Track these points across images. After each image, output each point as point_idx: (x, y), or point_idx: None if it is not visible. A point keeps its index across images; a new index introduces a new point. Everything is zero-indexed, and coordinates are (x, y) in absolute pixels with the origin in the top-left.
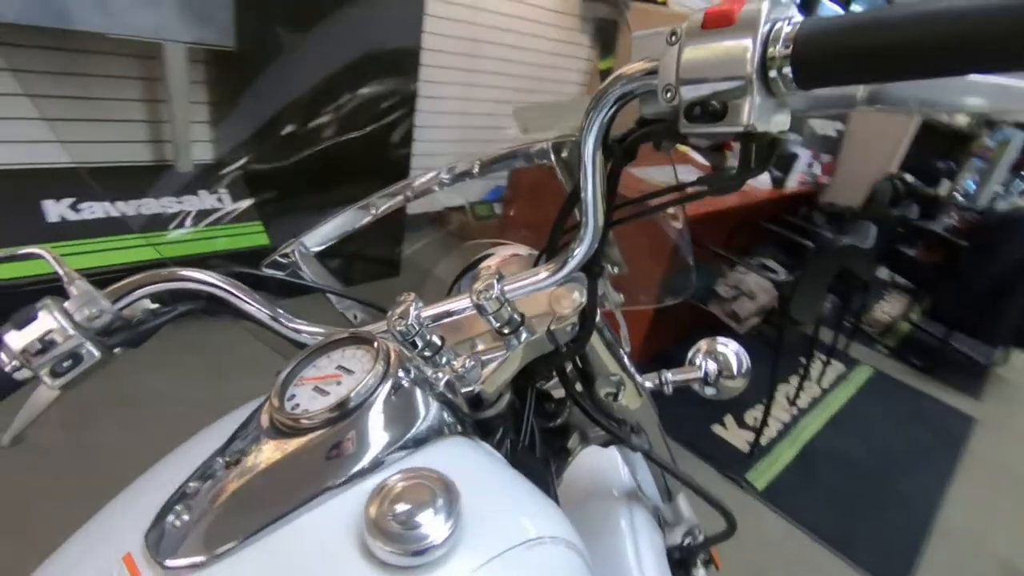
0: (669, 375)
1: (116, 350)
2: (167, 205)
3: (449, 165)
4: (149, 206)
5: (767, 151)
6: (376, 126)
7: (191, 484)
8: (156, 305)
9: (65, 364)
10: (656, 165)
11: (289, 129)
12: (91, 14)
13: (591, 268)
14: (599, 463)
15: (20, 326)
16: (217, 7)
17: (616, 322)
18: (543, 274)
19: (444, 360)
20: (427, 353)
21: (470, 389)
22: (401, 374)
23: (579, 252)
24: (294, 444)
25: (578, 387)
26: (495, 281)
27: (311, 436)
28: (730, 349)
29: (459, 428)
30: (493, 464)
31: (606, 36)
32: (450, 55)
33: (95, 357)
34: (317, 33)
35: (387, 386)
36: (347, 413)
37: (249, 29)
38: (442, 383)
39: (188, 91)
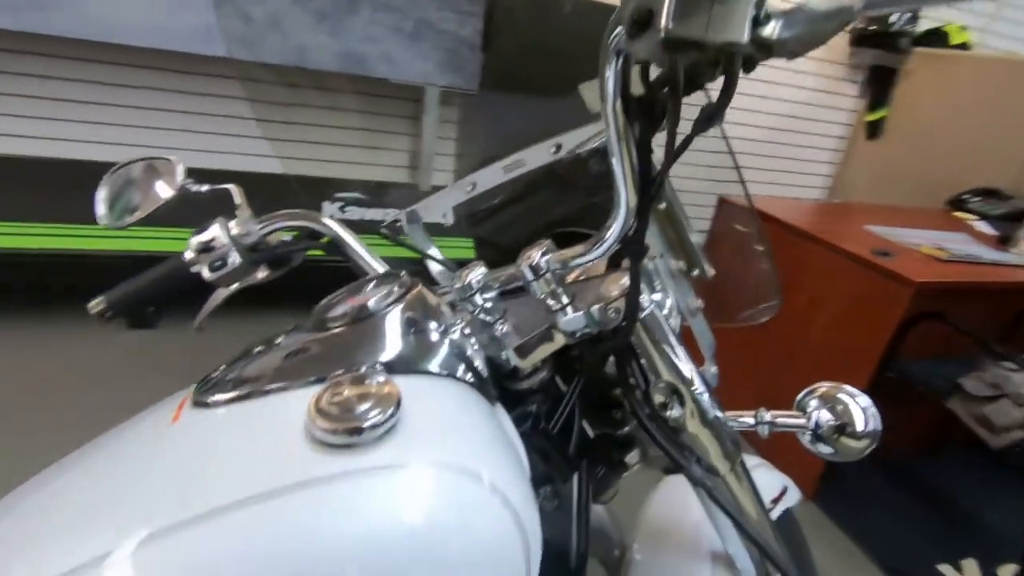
0: (767, 415)
1: (260, 273)
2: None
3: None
4: (391, 215)
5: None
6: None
7: (256, 348)
8: (290, 238)
9: (217, 264)
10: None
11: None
12: (380, 64)
13: (632, 249)
14: (679, 505)
15: (199, 232)
16: (468, 59)
17: (695, 337)
18: (580, 249)
19: (493, 321)
20: (481, 316)
21: (503, 355)
22: (417, 308)
23: (614, 228)
24: (311, 337)
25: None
26: (541, 252)
27: (323, 334)
28: (856, 401)
29: (466, 378)
30: (475, 409)
31: (880, 85)
32: None
33: (238, 263)
34: (547, 81)
35: (395, 310)
36: (353, 321)
37: (490, 76)
38: (458, 331)
39: (437, 128)
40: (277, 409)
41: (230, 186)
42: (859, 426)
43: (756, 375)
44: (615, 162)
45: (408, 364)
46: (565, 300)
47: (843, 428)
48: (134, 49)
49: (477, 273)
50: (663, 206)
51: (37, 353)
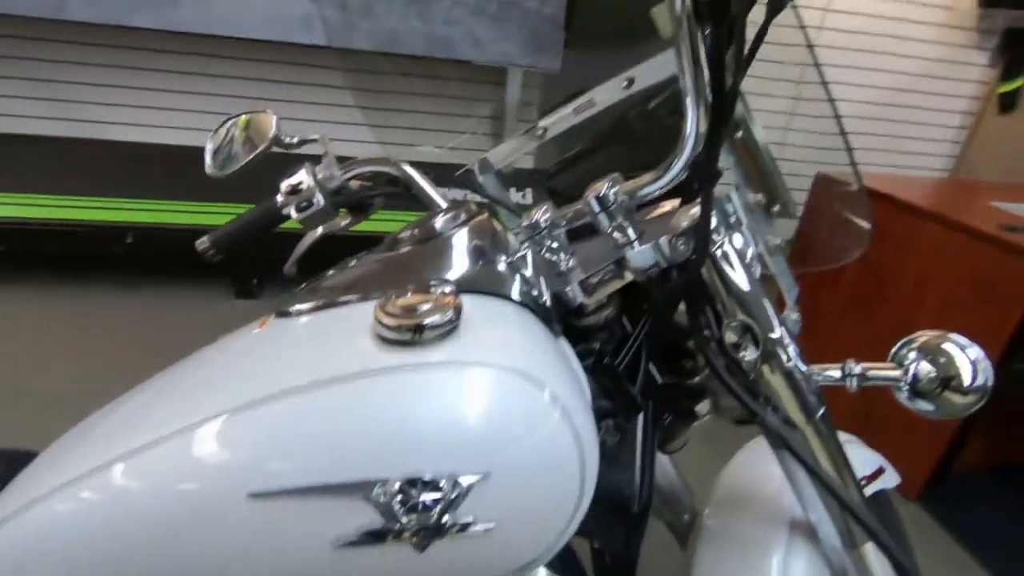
0: (857, 367)
1: (343, 221)
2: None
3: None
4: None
5: None
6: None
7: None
8: (370, 184)
9: (304, 205)
10: None
11: (588, 147)
12: (465, 46)
13: (703, 173)
14: (758, 472)
15: (288, 176)
16: (551, 38)
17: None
18: (648, 177)
19: (560, 258)
20: (548, 255)
21: (568, 291)
22: (483, 233)
23: (684, 151)
24: (382, 256)
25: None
26: (608, 184)
27: (392, 253)
28: (965, 352)
29: (529, 304)
30: (537, 330)
31: (1016, 51)
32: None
33: (322, 204)
34: (631, 59)
35: (461, 231)
36: (420, 241)
37: (571, 57)
38: (523, 260)
39: (518, 110)
40: (348, 316)
41: (317, 136)
42: (967, 380)
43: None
44: (685, 75)
45: (471, 284)
46: (632, 234)
47: (947, 382)
48: (236, 41)
49: (544, 211)
50: (739, 134)
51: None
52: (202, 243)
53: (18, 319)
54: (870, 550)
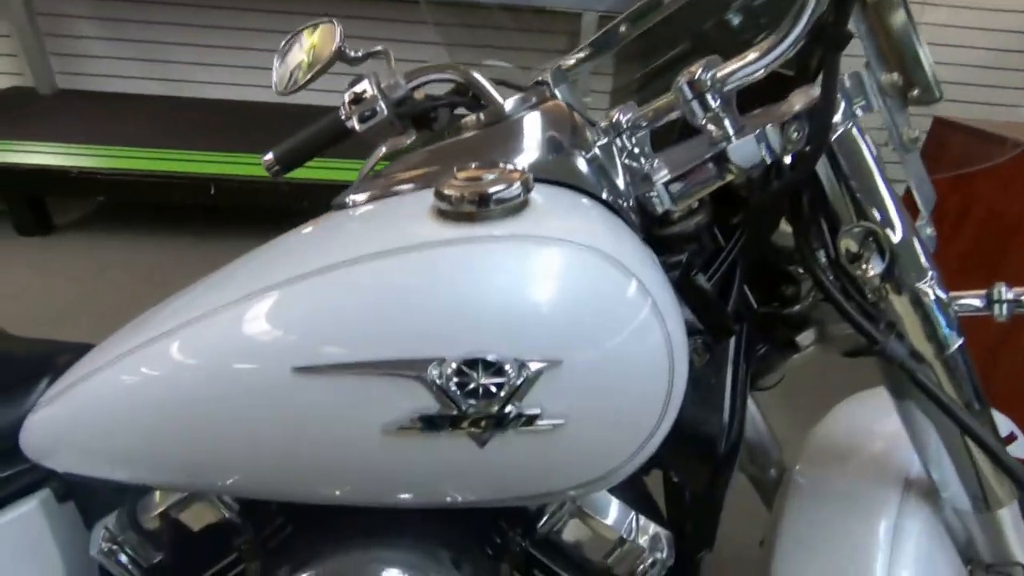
0: (1008, 292)
1: (407, 138)
2: None
3: None
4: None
5: None
6: None
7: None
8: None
9: (367, 115)
10: None
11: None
12: None
13: (829, 38)
14: (862, 426)
15: (351, 85)
16: None
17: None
18: (753, 55)
19: (641, 162)
20: (630, 160)
21: (653, 195)
22: (556, 118)
23: (804, 12)
24: (446, 143)
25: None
26: (702, 66)
27: (456, 139)
28: None
29: (608, 200)
30: (618, 224)
31: None
32: None
33: (385, 114)
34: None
35: (531, 114)
36: (487, 124)
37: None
38: (601, 152)
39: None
40: (406, 201)
41: (381, 47)
42: None
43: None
44: None
45: (544, 171)
46: (731, 127)
47: None
48: None
49: (626, 110)
50: None
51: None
52: (267, 159)
53: (117, 264)
54: (1006, 515)
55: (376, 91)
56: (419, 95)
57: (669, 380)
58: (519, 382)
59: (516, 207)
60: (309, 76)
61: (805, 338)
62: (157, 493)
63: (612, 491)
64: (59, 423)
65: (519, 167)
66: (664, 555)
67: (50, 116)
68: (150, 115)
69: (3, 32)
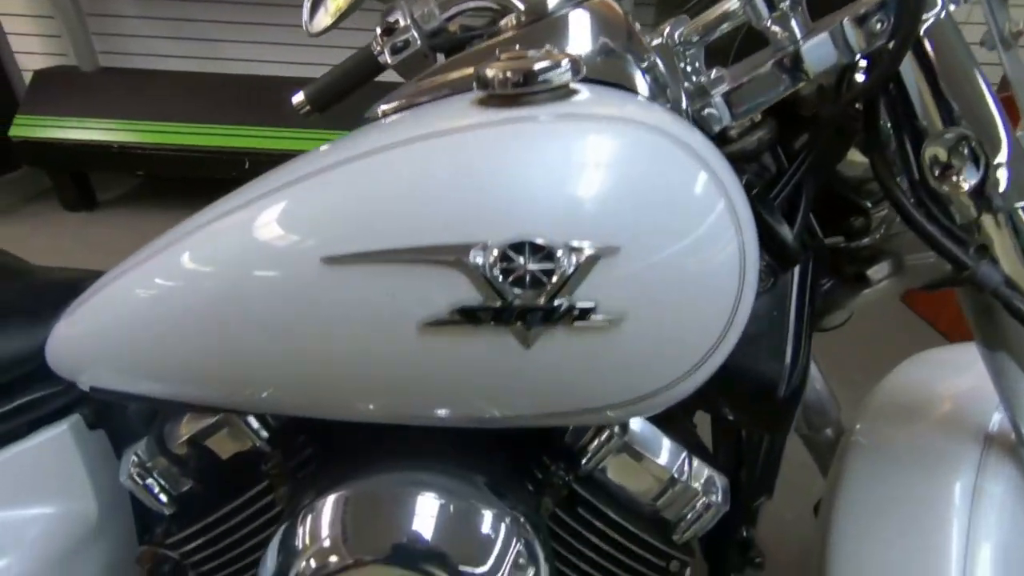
0: None
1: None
2: None
3: None
4: None
5: None
6: None
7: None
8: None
9: (399, 45)
10: None
11: None
12: None
13: None
14: (934, 380)
15: (385, 16)
16: None
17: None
18: None
19: (697, 78)
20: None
21: (710, 108)
22: (604, 16)
23: None
24: (483, 45)
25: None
26: None
27: (495, 40)
28: None
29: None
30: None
31: None
32: None
33: (418, 45)
34: None
35: (577, 10)
36: (528, 23)
37: None
38: (653, 53)
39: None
40: (446, 100)
41: None
42: None
43: None
44: None
45: (592, 69)
46: (799, 28)
47: None
48: None
49: (677, 24)
50: None
51: None
52: (297, 100)
53: (157, 235)
54: None
55: (409, 20)
56: (454, 26)
57: (738, 289)
58: (571, 270)
59: (565, 91)
60: (338, 15)
61: (877, 271)
62: (185, 418)
63: (663, 430)
64: (82, 335)
65: (568, 57)
66: (718, 499)
67: (92, 93)
68: (187, 91)
69: (47, 13)
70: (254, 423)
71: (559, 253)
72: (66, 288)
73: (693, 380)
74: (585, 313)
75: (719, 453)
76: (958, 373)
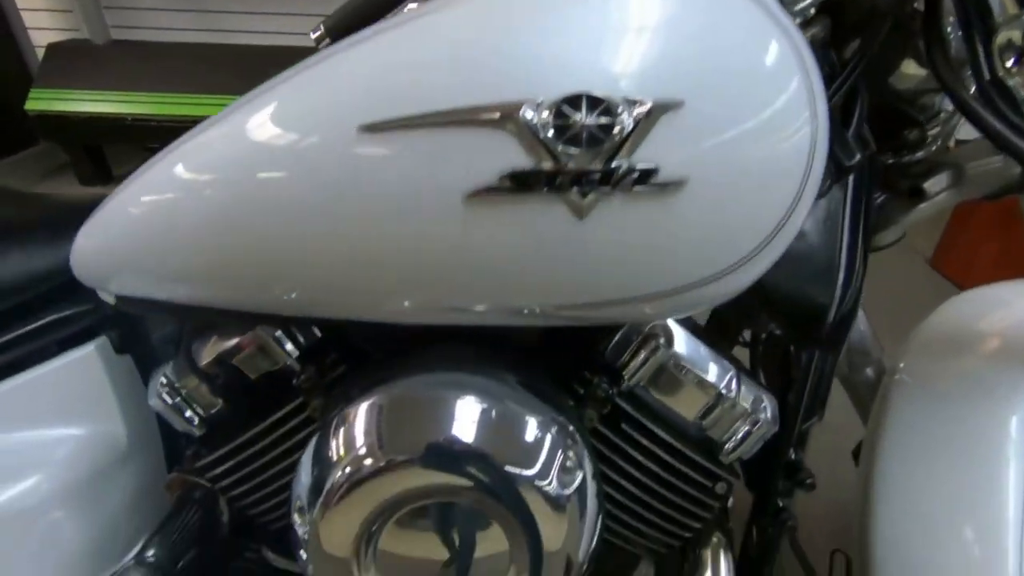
0: None
1: None
2: None
3: None
4: None
5: None
6: None
7: None
8: None
9: None
10: None
11: None
12: None
13: None
14: (987, 316)
15: None
16: None
17: None
18: None
19: None
20: None
21: None
22: None
23: None
24: None
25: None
26: None
27: None
28: None
29: None
30: None
31: None
32: None
33: None
34: None
35: None
36: None
37: None
38: None
39: None
40: None
41: None
42: None
43: None
44: None
45: None
46: None
47: None
48: None
49: None
50: None
51: None
52: (316, 34)
53: None
54: None
55: None
56: None
57: (804, 174)
58: (630, 127)
59: None
60: None
61: (934, 184)
62: (213, 336)
63: (710, 347)
64: (106, 239)
65: None
66: (767, 418)
67: (105, 66)
68: (199, 63)
69: None
70: (284, 340)
71: (619, 108)
72: (90, 206)
73: (749, 270)
74: (645, 176)
75: (765, 377)
76: (1007, 308)
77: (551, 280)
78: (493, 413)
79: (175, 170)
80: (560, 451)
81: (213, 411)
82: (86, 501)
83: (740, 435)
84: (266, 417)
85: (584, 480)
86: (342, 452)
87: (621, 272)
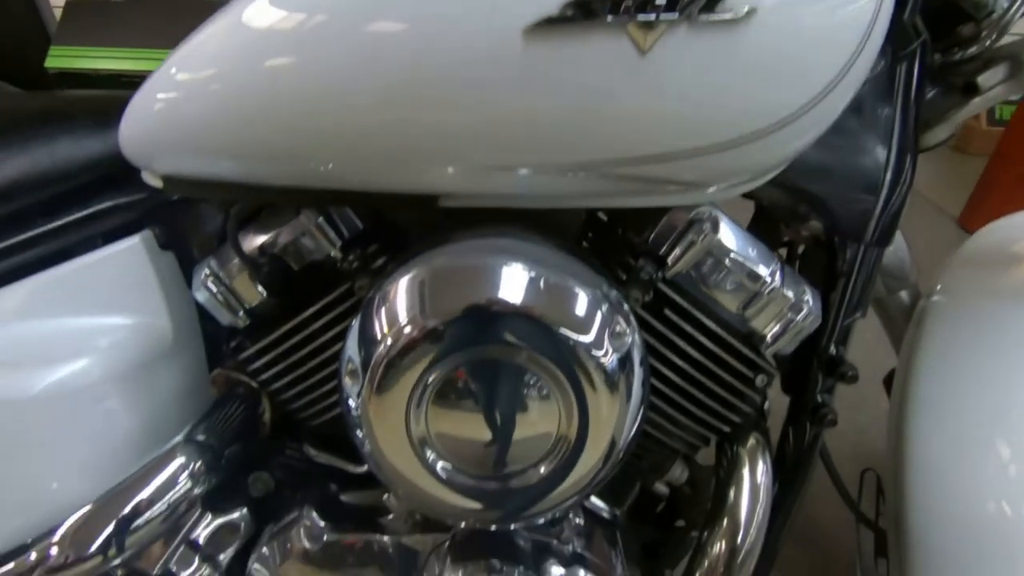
0: None
1: None
2: None
3: None
4: None
5: None
6: None
7: None
8: None
9: None
10: None
11: None
12: None
13: None
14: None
15: None
16: None
17: None
18: None
19: None
20: None
21: None
22: None
23: None
24: None
25: None
26: None
27: None
28: None
29: None
30: None
31: None
32: None
33: None
34: None
35: None
36: None
37: None
38: None
39: None
40: None
41: None
42: None
43: None
44: None
45: None
46: None
47: None
48: None
49: None
50: None
51: None
52: None
53: None
54: None
55: None
56: None
57: (869, 27)
58: None
59: None
60: None
61: (989, 78)
62: (258, 224)
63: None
64: (153, 114)
65: None
66: (810, 309)
67: (123, 23)
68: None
69: None
70: (326, 228)
71: None
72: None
73: (796, 133)
74: (712, 2)
75: (810, 271)
76: None
77: (604, 127)
78: (544, 278)
79: (216, 43)
80: (612, 315)
81: (256, 302)
82: (133, 389)
83: (782, 327)
84: (309, 307)
85: (633, 351)
86: (397, 312)
87: (676, 116)
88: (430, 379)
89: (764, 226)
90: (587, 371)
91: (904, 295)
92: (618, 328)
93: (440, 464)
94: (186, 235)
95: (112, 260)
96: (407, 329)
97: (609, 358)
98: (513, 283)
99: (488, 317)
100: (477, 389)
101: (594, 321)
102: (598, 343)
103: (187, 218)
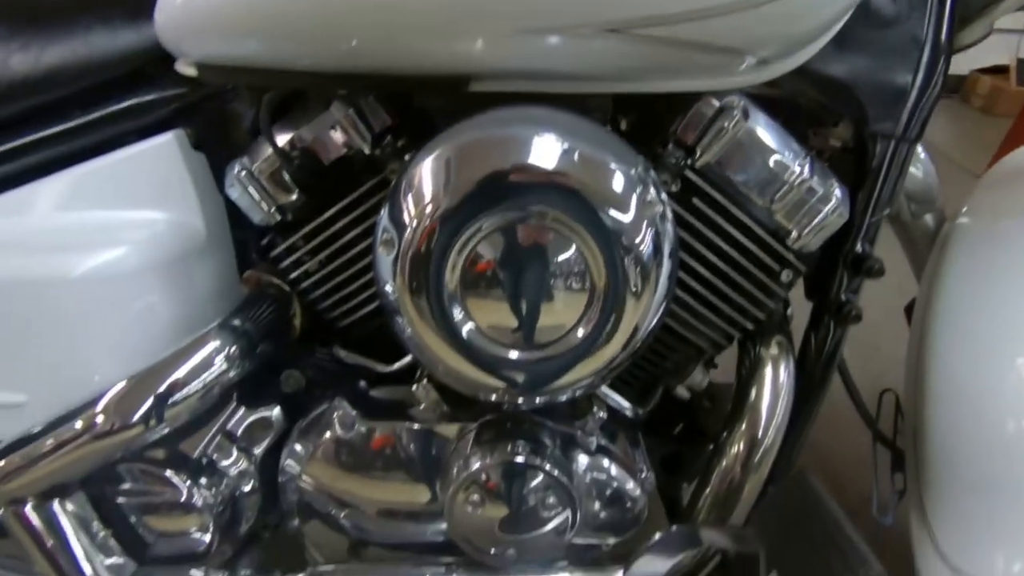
0: None
1: None
2: None
3: None
4: None
5: None
6: None
7: None
8: None
9: None
10: None
11: None
12: None
13: None
14: None
15: None
16: None
17: None
18: None
19: None
20: None
21: None
22: None
23: None
24: None
25: None
26: None
27: None
28: None
29: None
30: None
31: None
32: None
33: None
34: None
35: None
36: None
37: None
38: None
39: None
40: None
41: None
42: None
43: None
44: None
45: None
46: None
47: None
48: None
49: None
50: None
51: None
52: None
53: None
54: None
55: None
56: None
57: None
58: None
59: None
60: None
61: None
62: (290, 118)
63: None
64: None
65: None
66: (838, 203)
67: None
68: None
69: None
70: (357, 121)
71: None
72: None
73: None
74: None
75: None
76: None
77: None
78: (577, 142)
79: None
80: (641, 190)
81: (287, 199)
82: (168, 280)
83: (809, 219)
84: (339, 201)
85: (665, 211)
86: (434, 178)
87: None
88: (464, 240)
89: (791, 133)
90: (618, 235)
91: (929, 219)
92: (649, 197)
93: (467, 327)
94: (218, 138)
95: (146, 156)
96: (443, 192)
97: (639, 224)
98: (546, 148)
99: (522, 181)
100: (510, 253)
101: (625, 187)
102: (626, 206)
103: (219, 120)
